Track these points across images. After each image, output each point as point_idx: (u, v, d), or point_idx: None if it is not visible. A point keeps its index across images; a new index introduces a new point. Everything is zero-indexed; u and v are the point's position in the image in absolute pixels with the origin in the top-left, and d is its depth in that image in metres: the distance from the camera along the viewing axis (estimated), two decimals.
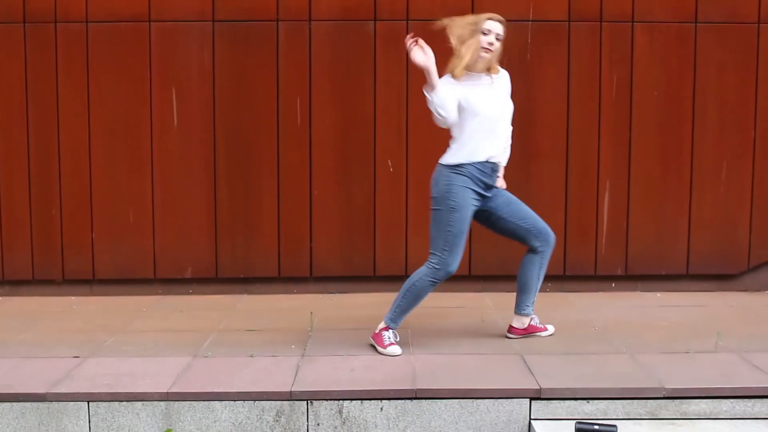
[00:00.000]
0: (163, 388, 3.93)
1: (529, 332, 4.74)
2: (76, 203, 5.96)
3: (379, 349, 4.45)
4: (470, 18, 4.39)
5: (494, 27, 4.33)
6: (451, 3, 5.84)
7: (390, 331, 4.50)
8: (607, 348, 4.55)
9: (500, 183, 4.62)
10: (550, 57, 5.90)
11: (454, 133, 4.41)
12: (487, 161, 4.38)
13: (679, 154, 5.97)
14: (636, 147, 5.96)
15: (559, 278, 6.04)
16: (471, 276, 5.98)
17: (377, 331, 4.52)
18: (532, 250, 4.57)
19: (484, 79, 4.40)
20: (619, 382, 3.94)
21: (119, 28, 5.85)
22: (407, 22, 5.84)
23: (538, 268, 4.60)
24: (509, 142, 4.58)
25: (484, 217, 4.55)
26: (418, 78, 5.79)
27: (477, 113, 4.30)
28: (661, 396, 3.86)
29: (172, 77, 5.90)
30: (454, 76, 4.32)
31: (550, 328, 4.82)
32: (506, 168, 5.92)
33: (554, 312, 5.45)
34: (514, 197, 4.60)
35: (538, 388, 3.88)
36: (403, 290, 4.49)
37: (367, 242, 5.99)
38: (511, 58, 5.84)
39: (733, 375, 4.04)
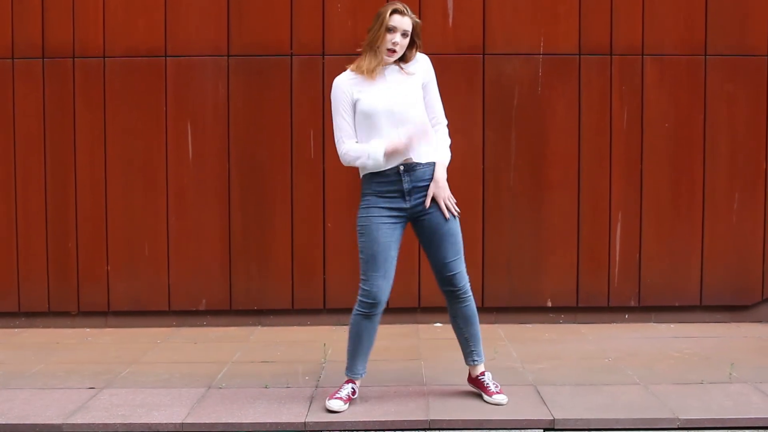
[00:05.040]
0: (177, 419, 3.95)
1: (475, 385, 4.25)
2: (92, 236, 6.01)
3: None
4: None
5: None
6: (463, 37, 5.92)
7: (349, 385, 4.14)
8: (620, 379, 4.54)
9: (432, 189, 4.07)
10: (561, 90, 5.96)
11: None
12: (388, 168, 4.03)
13: (690, 185, 5.99)
14: (647, 178, 5.99)
15: (572, 309, 6.04)
16: (483, 308, 5.99)
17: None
18: (444, 295, 4.19)
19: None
20: (633, 413, 3.94)
21: (136, 62, 5.95)
22: None
23: (454, 319, 4.19)
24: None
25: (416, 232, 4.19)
26: None
27: None
28: (676, 427, 3.85)
29: (188, 111, 5.98)
30: None
31: (497, 399, 4.09)
32: (519, 199, 5.99)
33: (567, 343, 5.45)
34: (445, 225, 4.07)
35: (552, 418, 3.89)
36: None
37: None
38: (522, 91, 5.92)
39: (748, 405, 4.03)
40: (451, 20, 5.92)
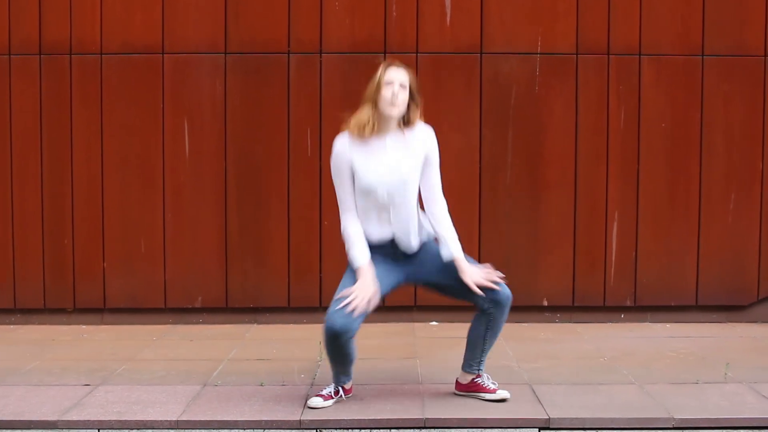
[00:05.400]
0: (172, 416, 3.94)
1: (471, 390, 4.17)
2: (88, 232, 6.01)
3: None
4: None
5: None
6: (461, 36, 5.92)
7: (332, 385, 4.12)
8: (616, 378, 4.54)
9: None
10: (559, 89, 5.96)
11: None
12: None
13: (687, 185, 6.00)
14: (644, 178, 5.99)
15: (568, 309, 6.05)
16: None
17: None
18: (481, 310, 4.03)
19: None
20: (629, 412, 3.93)
21: (133, 59, 5.94)
22: (417, 55, 5.91)
23: (484, 329, 4.05)
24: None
25: (423, 285, 4.23)
26: (427, 108, 5.87)
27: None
28: (671, 426, 3.85)
29: (185, 108, 5.97)
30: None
31: (501, 393, 4.11)
32: (516, 198, 5.99)
33: (563, 343, 5.45)
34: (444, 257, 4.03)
35: (547, 417, 3.88)
36: None
37: None
38: (519, 90, 5.92)
39: (743, 405, 4.03)
40: (449, 19, 5.92)
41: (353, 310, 3.81)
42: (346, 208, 4.05)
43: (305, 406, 4.05)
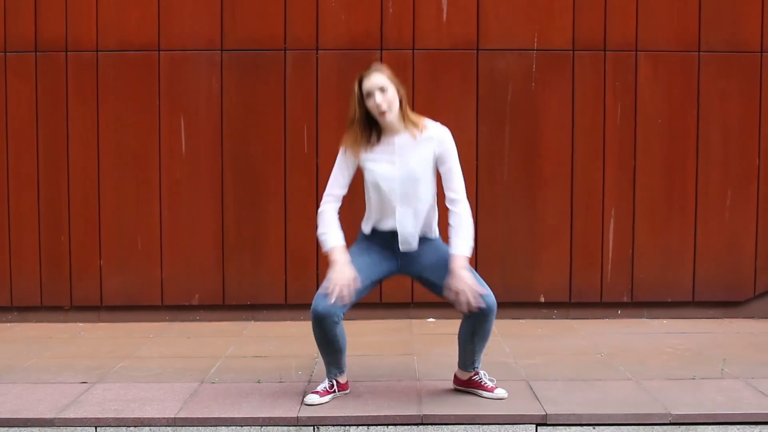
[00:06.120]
0: (170, 414, 3.94)
1: (469, 387, 4.17)
2: (85, 230, 6.00)
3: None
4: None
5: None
6: (457, 32, 5.91)
7: (326, 380, 4.14)
8: (612, 374, 4.55)
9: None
10: (555, 85, 5.96)
11: None
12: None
13: (683, 182, 6.00)
14: (640, 174, 5.99)
15: (565, 305, 6.05)
16: None
17: None
18: (464, 314, 3.93)
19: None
20: (625, 408, 3.94)
21: (129, 56, 5.93)
22: (413, 51, 5.90)
23: (470, 334, 3.98)
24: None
25: (416, 279, 4.16)
26: (424, 105, 5.88)
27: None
28: (668, 422, 3.85)
29: (181, 105, 5.96)
30: None
31: (499, 393, 4.09)
32: (513, 194, 5.99)
33: (560, 339, 5.46)
34: (442, 251, 4.01)
35: (544, 413, 3.89)
36: None
37: None
38: (515, 86, 5.93)
39: (740, 401, 4.04)
40: (445, 15, 5.92)
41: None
42: (331, 192, 4.06)
43: (302, 403, 4.05)
